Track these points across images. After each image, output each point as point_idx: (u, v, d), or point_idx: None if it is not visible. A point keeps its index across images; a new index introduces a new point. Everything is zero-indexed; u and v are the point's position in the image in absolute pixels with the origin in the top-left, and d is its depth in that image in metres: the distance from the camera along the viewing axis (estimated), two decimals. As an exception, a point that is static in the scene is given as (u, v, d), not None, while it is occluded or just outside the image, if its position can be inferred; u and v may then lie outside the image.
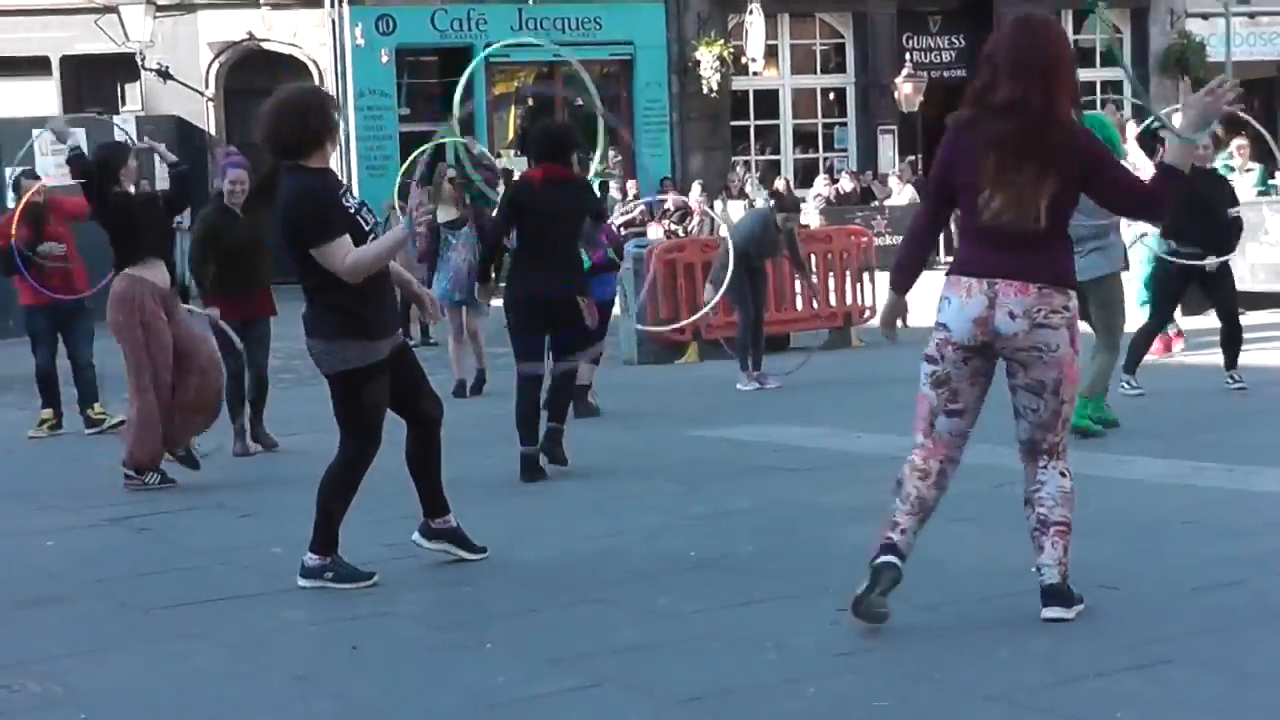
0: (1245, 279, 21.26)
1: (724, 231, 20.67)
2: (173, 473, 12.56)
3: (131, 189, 13.22)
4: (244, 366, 14.23)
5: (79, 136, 20.93)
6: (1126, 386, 14.41)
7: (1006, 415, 13.10)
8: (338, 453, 9.18)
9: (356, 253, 8.78)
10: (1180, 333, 17.65)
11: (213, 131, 33.38)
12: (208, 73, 33.74)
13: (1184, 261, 14.50)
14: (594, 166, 16.28)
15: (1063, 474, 7.39)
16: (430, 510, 9.42)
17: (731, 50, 34.16)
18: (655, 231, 29.85)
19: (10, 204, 25.20)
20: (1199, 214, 13.90)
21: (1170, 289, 15.07)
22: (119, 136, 22.19)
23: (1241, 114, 9.28)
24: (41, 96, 33.14)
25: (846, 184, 33.57)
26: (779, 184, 31.82)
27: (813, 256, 21.14)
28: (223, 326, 13.70)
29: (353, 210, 9.02)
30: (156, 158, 14.41)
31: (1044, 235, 7.15)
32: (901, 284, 7.94)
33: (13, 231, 15.28)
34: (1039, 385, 7.28)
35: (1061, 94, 7.18)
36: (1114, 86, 37.16)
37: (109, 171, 13.09)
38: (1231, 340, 14.93)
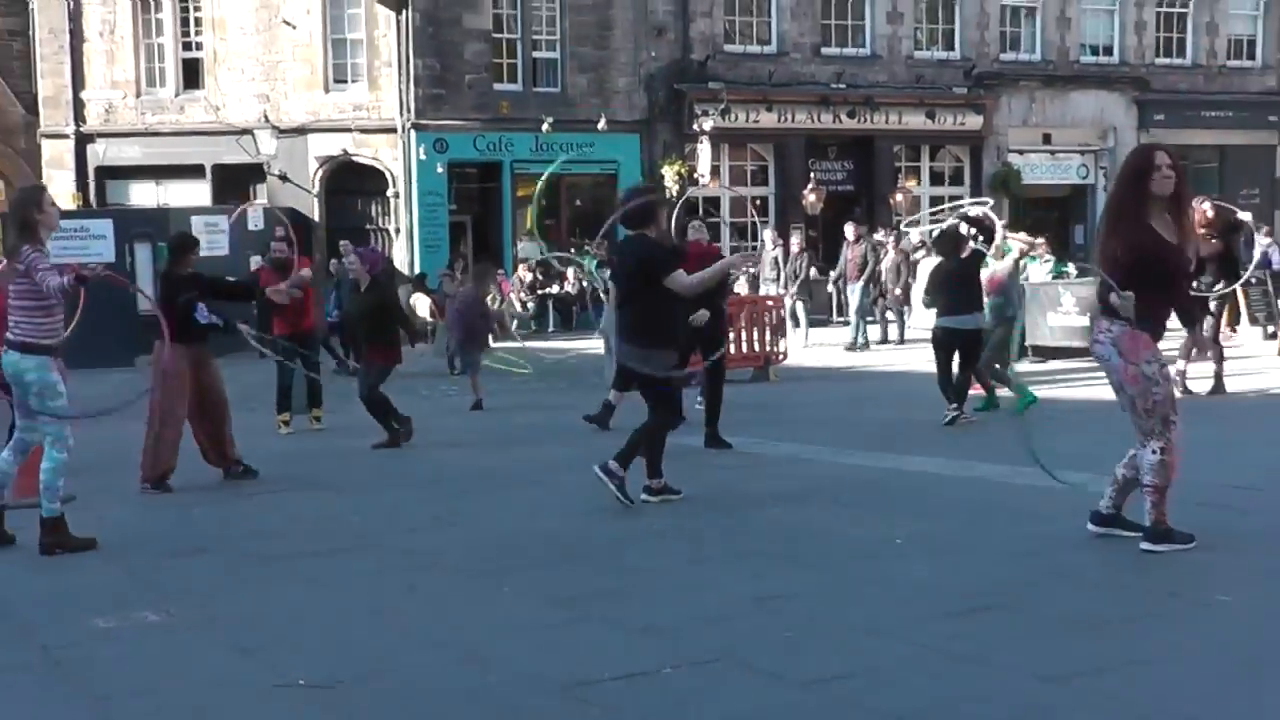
0: (1046, 337, 21.47)
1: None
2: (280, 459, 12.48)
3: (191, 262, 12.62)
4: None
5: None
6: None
7: (883, 432, 13.06)
8: (650, 419, 10.17)
9: (691, 278, 9.99)
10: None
11: (316, 218, 33.40)
12: (314, 177, 33.74)
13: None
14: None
15: (1154, 451, 7.46)
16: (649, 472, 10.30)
17: (687, 168, 34.19)
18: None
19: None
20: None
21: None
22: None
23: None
24: (198, 193, 33.22)
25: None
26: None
27: (742, 316, 21.17)
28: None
29: None
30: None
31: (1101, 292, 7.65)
32: None
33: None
34: (1114, 386, 7.67)
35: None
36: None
37: (177, 254, 12.61)
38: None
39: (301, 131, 33.59)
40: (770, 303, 22.70)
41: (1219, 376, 15.77)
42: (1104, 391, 14.42)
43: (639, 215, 10.28)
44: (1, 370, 9.13)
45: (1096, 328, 7.73)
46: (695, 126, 34.39)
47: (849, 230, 29.33)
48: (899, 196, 35.17)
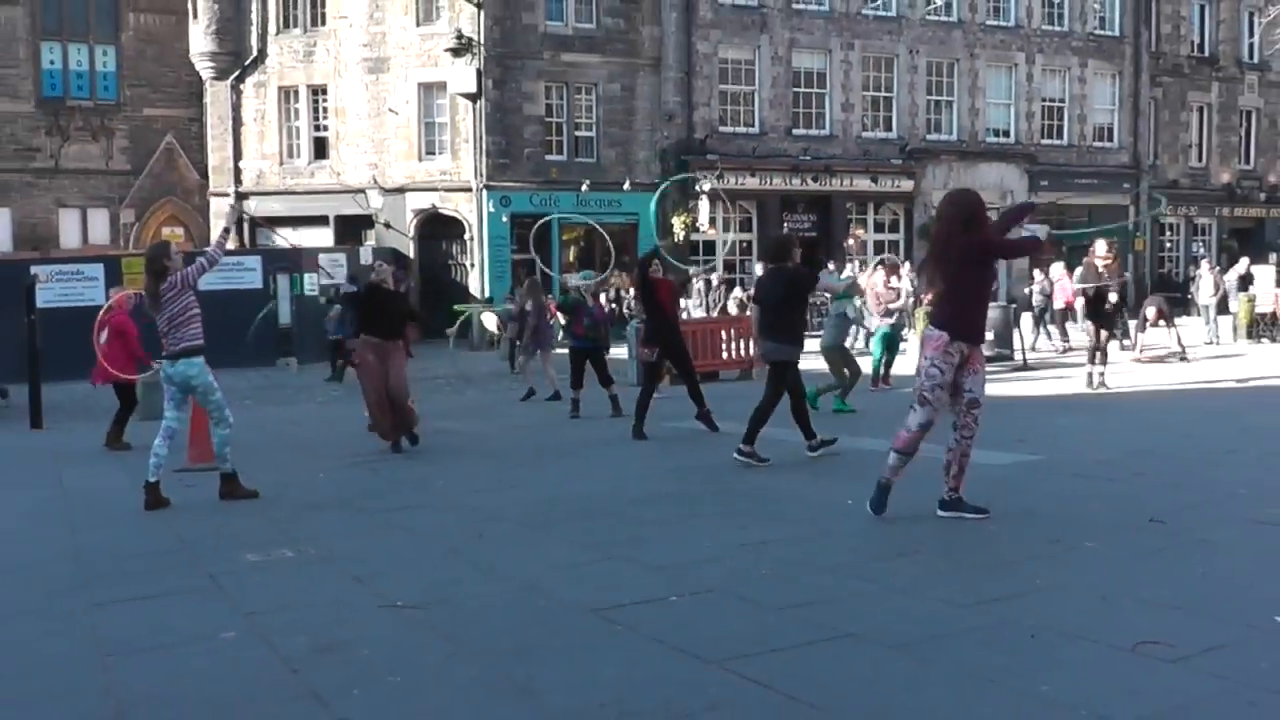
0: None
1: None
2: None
3: (387, 284, 12.37)
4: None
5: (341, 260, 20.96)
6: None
7: (840, 419, 12.93)
8: (765, 396, 10.31)
9: (832, 282, 10.77)
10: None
11: (412, 255, 33.49)
12: (410, 225, 33.81)
13: None
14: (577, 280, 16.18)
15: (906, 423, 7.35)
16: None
17: (691, 218, 34.22)
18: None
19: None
20: None
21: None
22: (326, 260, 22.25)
23: None
24: (323, 238, 33.34)
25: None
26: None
27: (733, 329, 21.15)
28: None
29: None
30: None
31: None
32: None
33: None
34: None
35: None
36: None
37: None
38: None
39: (401, 191, 33.71)
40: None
41: (1092, 377, 15.75)
42: (1005, 388, 14.36)
43: (779, 251, 10.50)
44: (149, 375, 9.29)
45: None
46: (697, 188, 34.43)
47: (758, 268, 29.90)
48: (851, 241, 35.18)
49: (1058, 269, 26.39)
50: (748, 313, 23.01)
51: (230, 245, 9.54)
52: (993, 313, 22.20)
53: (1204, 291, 26.49)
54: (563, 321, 15.98)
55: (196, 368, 9.03)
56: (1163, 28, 43.06)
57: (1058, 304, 25.11)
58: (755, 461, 10.07)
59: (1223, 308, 26.81)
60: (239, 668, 5.00)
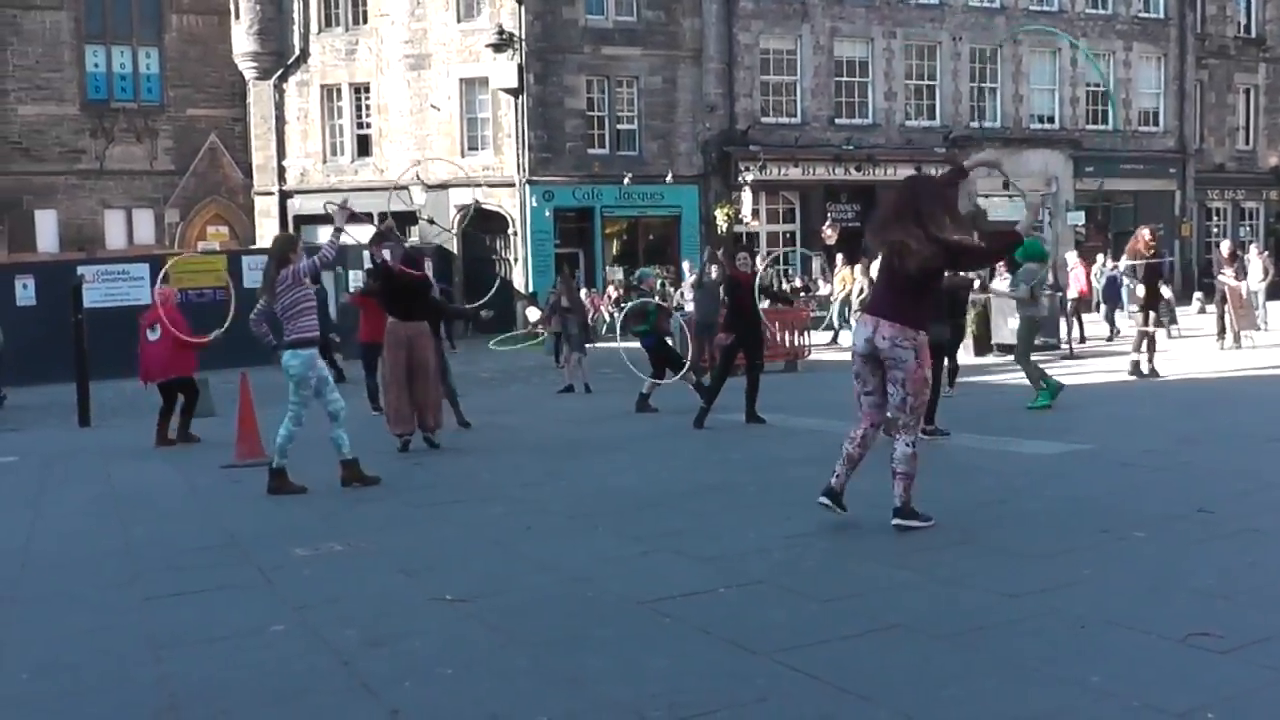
0: (1008, 337, 21.11)
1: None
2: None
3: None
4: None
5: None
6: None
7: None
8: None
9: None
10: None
11: (455, 251, 33.62)
12: (454, 221, 33.94)
13: None
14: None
15: (907, 444, 6.86)
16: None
17: (734, 210, 34.20)
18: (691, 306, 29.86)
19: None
20: None
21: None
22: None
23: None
24: (367, 234, 33.10)
25: (797, 282, 33.44)
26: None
27: (778, 323, 21.07)
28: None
29: None
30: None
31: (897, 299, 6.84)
32: None
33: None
34: (895, 380, 6.84)
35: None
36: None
37: (409, 264, 12.56)
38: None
39: (444, 187, 33.82)
40: (799, 313, 22.67)
41: (1138, 365, 15.58)
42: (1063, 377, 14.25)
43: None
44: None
45: (897, 333, 6.75)
46: (739, 179, 34.43)
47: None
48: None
49: (1072, 258, 26.05)
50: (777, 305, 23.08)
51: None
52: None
53: (1253, 276, 26.13)
54: (606, 316, 16.06)
55: (299, 359, 9.30)
56: (1208, 9, 42.53)
57: (1071, 294, 24.74)
58: (939, 435, 10.50)
59: (1273, 292, 26.44)
60: (290, 660, 5.06)
